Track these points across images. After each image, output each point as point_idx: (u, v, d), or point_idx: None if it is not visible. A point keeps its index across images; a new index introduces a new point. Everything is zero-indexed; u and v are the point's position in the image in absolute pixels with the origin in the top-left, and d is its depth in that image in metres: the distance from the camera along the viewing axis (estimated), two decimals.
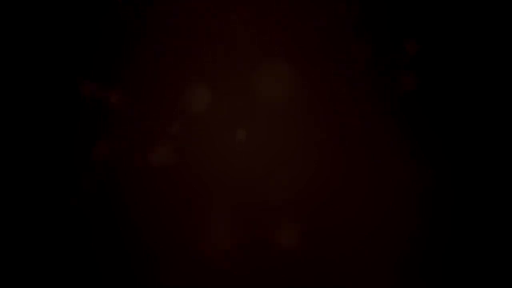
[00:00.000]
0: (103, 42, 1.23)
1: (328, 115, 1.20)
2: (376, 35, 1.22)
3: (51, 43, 1.23)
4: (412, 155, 1.21)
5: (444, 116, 1.22)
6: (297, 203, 1.19)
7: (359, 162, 1.20)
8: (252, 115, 1.21)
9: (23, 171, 1.22)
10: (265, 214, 1.19)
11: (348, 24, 1.22)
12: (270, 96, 1.19)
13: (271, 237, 1.19)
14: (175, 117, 1.21)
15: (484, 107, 1.22)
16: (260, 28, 1.22)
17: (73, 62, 1.23)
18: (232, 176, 1.19)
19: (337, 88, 1.21)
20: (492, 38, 1.23)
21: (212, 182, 1.20)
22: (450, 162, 1.21)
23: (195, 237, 1.19)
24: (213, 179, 1.20)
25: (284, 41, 1.22)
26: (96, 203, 1.21)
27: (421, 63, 1.22)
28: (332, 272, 1.18)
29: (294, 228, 1.19)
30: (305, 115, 1.21)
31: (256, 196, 1.19)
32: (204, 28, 1.22)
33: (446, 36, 1.23)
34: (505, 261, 1.20)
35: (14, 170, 1.22)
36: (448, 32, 1.23)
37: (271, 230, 1.19)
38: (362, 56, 1.22)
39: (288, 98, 1.21)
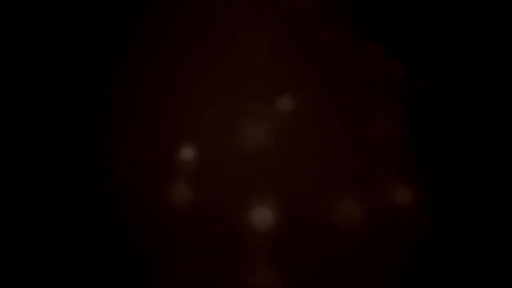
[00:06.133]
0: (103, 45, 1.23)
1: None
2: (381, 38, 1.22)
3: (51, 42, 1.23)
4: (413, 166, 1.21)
5: (447, 121, 1.22)
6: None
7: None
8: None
9: (23, 171, 1.22)
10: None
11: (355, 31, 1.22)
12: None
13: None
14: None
15: (486, 109, 1.22)
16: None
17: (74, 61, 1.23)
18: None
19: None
20: (493, 43, 1.23)
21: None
22: (451, 170, 1.21)
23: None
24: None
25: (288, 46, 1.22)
26: (96, 203, 1.21)
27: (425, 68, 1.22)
28: None
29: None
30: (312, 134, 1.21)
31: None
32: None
33: (450, 41, 1.23)
34: (505, 261, 1.20)
35: (15, 170, 1.22)
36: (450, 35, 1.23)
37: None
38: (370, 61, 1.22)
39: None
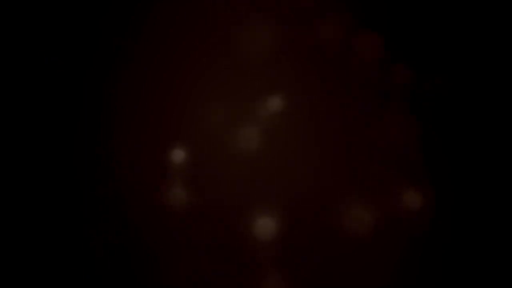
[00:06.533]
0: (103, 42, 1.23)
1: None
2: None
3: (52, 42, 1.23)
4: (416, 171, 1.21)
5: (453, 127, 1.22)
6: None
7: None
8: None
9: (24, 171, 1.22)
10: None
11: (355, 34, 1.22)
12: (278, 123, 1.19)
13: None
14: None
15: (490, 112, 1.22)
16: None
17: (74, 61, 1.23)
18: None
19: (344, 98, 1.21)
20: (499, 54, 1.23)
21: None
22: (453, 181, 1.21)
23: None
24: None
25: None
26: (97, 204, 1.21)
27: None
28: None
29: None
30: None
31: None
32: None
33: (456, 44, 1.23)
34: (505, 264, 1.20)
35: (15, 170, 1.22)
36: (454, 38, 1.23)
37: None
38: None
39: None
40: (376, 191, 1.20)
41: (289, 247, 1.19)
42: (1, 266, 1.20)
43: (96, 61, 1.23)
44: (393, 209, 1.20)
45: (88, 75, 1.23)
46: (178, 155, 1.21)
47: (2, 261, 1.20)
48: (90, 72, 1.23)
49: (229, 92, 1.21)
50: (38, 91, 1.22)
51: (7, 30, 1.23)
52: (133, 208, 1.20)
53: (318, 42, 1.22)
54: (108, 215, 1.21)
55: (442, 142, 1.21)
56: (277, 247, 1.20)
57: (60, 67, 1.22)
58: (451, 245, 1.20)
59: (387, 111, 1.21)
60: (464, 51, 1.22)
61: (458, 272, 1.20)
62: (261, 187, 1.20)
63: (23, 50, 1.23)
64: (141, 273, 1.20)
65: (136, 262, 1.20)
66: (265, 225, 1.20)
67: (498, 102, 1.22)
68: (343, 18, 1.22)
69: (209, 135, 1.21)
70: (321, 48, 1.22)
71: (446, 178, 1.21)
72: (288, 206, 1.19)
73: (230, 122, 1.21)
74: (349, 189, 1.20)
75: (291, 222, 1.19)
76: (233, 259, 1.19)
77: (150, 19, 1.23)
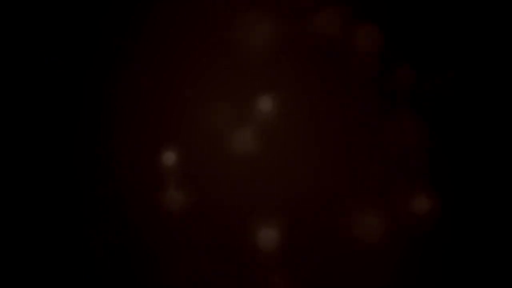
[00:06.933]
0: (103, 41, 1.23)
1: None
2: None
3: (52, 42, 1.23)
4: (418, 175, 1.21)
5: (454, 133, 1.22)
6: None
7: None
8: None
9: (24, 171, 1.22)
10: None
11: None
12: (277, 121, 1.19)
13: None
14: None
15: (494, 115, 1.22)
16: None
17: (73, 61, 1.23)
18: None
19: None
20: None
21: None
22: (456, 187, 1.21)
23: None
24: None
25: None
26: (97, 204, 1.21)
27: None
28: None
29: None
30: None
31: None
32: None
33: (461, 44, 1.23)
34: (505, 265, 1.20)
35: (15, 170, 1.22)
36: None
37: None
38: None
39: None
40: (377, 192, 1.20)
41: (289, 247, 1.19)
42: (1, 266, 1.20)
43: (96, 61, 1.23)
44: (394, 210, 1.20)
45: (88, 75, 1.23)
46: (178, 155, 1.21)
47: (2, 261, 1.20)
48: (90, 72, 1.23)
49: (229, 92, 1.21)
50: (38, 91, 1.22)
51: (7, 30, 1.23)
52: (133, 208, 1.20)
53: (318, 41, 1.22)
54: (108, 215, 1.21)
55: (443, 142, 1.21)
56: (277, 247, 1.20)
57: (60, 67, 1.22)
58: (454, 247, 1.20)
59: (387, 111, 1.21)
60: (465, 51, 1.22)
61: (462, 275, 1.19)
62: (261, 187, 1.20)
63: (23, 50, 1.23)
64: (141, 273, 1.20)
65: (136, 262, 1.20)
66: (265, 226, 1.20)
67: (500, 102, 1.22)
68: (343, 18, 1.22)
69: (209, 135, 1.21)
70: (321, 48, 1.22)
71: (446, 178, 1.21)
72: (288, 207, 1.19)
73: (230, 122, 1.21)
74: (349, 189, 1.20)
75: (291, 223, 1.19)
76: (233, 259, 1.19)
77: (150, 19, 1.23)
